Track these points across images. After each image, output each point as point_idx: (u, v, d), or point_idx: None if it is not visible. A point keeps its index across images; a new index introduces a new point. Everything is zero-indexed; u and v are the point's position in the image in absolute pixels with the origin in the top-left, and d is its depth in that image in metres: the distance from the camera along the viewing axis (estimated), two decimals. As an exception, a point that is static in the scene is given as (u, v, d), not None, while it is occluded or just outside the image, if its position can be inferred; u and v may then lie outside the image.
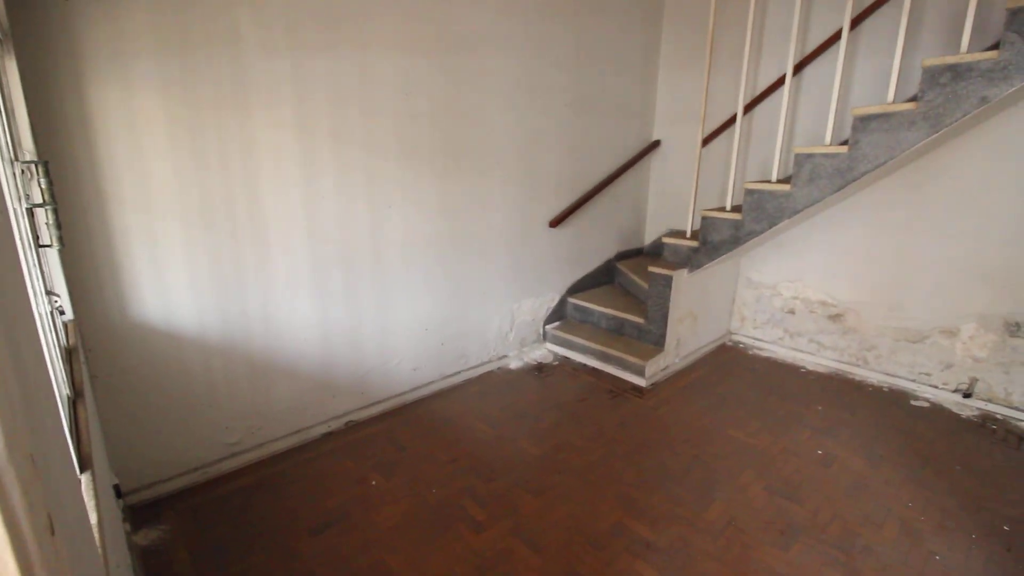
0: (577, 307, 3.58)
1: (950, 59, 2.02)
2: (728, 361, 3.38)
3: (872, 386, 3.03)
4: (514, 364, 3.29)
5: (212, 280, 2.04)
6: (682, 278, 3.02)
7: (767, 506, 2.03)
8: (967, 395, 2.81)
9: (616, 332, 3.36)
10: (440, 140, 2.63)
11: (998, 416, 2.69)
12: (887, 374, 3.07)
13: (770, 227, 2.65)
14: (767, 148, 3.36)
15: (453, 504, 2.01)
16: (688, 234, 3.06)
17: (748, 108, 3.35)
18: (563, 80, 3.18)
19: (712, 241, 2.90)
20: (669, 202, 4.00)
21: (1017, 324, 2.62)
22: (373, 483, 2.13)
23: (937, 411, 2.75)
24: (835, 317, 3.24)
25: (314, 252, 2.29)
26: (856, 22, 2.83)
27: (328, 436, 2.48)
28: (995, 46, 1.99)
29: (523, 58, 2.91)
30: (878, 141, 2.25)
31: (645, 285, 3.27)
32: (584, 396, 2.89)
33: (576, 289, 3.69)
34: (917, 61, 2.65)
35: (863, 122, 2.28)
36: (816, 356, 3.35)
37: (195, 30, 1.84)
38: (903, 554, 1.79)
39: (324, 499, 2.05)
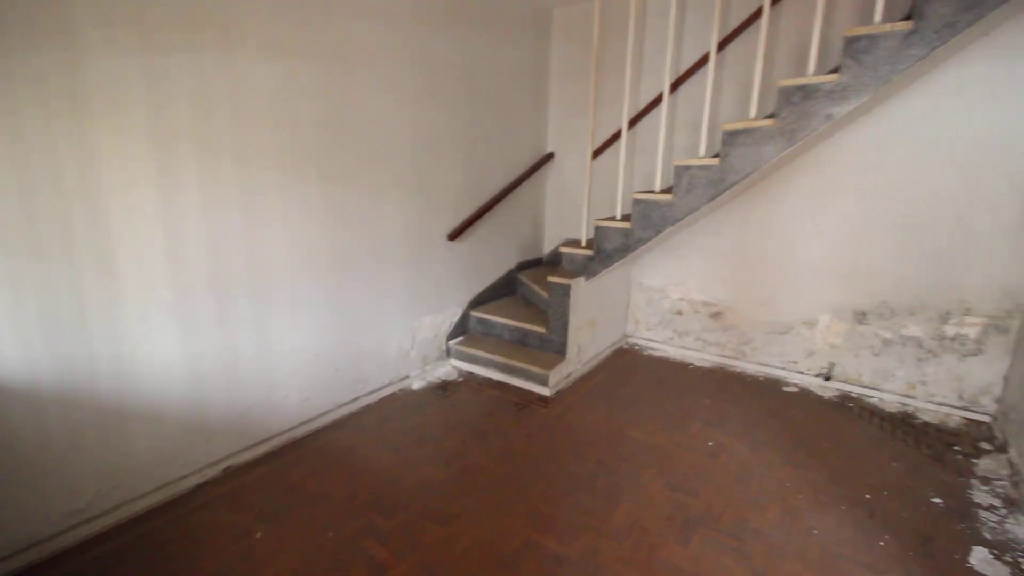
0: (480, 320, 3.53)
1: (800, 80, 2.27)
2: (626, 363, 3.52)
3: (750, 376, 3.31)
4: (417, 384, 3.16)
5: (43, 319, 1.70)
6: (579, 286, 3.09)
7: (668, 502, 2.10)
8: (827, 378, 3.17)
9: (520, 343, 3.35)
10: (327, 150, 2.46)
11: (853, 395, 3.05)
12: (762, 364, 3.37)
13: (656, 234, 2.80)
14: (651, 160, 3.57)
15: (352, 547, 1.85)
16: (583, 243, 3.15)
17: (632, 123, 3.53)
18: (455, 91, 3.13)
19: (605, 249, 3.00)
20: (565, 212, 4.11)
21: (863, 313, 3.00)
22: (258, 535, 1.90)
23: (804, 395, 3.06)
24: (716, 315, 3.50)
25: (176, 277, 2.01)
26: (723, 44, 3.10)
27: (203, 487, 2.18)
28: (837, 69, 2.26)
29: (413, 68, 2.82)
30: (744, 154, 2.46)
31: (545, 295, 3.31)
32: (490, 411, 2.84)
33: (479, 302, 3.64)
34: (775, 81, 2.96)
35: (731, 136, 2.48)
36: (702, 352, 3.59)
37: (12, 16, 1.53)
38: (786, 532, 1.94)
39: (199, 562, 1.78)
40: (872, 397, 3.01)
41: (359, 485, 2.19)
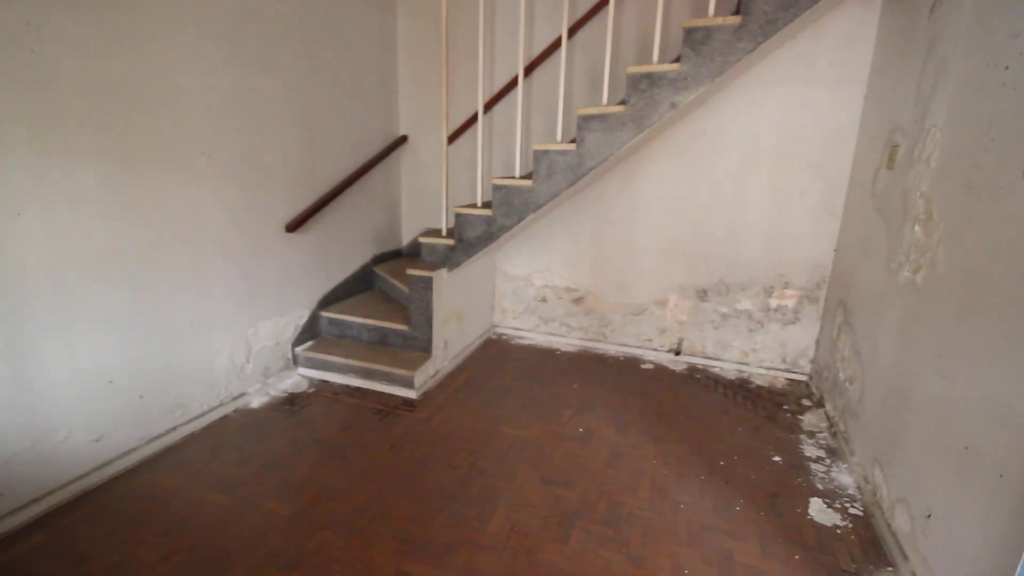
0: (333, 321, 3.14)
1: (646, 68, 2.30)
2: (494, 355, 3.41)
3: (612, 357, 3.42)
4: (257, 401, 2.70)
5: None
6: (442, 278, 2.89)
7: (544, 500, 2.02)
8: (677, 353, 3.39)
9: (380, 344, 3.05)
10: (108, 122, 1.90)
11: (699, 366, 3.31)
12: (621, 344, 3.51)
13: (519, 221, 2.70)
14: (510, 145, 3.48)
15: (166, 625, 1.45)
16: (444, 232, 2.94)
17: (488, 106, 3.40)
18: (293, 59, 2.69)
19: (468, 238, 2.83)
20: (423, 200, 3.86)
21: (704, 291, 3.25)
22: (19, 638, 1.40)
23: (660, 370, 3.24)
24: (578, 300, 3.56)
25: None
26: (573, 31, 3.09)
27: (-71, 582, 1.57)
28: (679, 59, 2.33)
29: (237, 24, 2.33)
30: (599, 139, 2.45)
31: (405, 288, 3.05)
32: (348, 423, 2.52)
33: (330, 300, 3.25)
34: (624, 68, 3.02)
35: (586, 121, 2.45)
36: (567, 337, 3.63)
37: None
38: (658, 512, 1.97)
39: None
40: (715, 367, 3.29)
41: (178, 540, 1.75)
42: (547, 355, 3.44)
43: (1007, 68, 1.47)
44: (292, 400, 2.74)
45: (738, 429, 2.58)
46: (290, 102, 2.75)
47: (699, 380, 3.12)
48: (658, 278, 3.32)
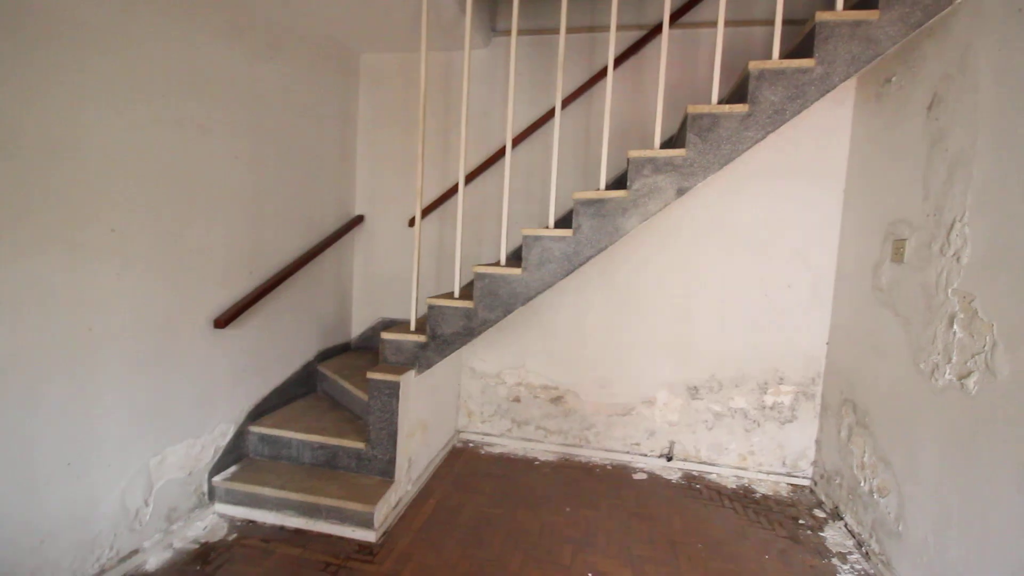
0: (266, 438, 2.52)
1: (649, 153, 2.14)
2: (464, 470, 2.88)
3: (598, 465, 3.00)
4: (155, 560, 1.98)
5: None
6: (410, 383, 2.41)
7: None
8: (669, 458, 3.04)
9: (327, 466, 2.45)
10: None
11: (694, 473, 2.96)
12: (607, 450, 3.11)
13: (505, 314, 2.34)
14: (478, 230, 3.20)
15: None
16: (412, 327, 2.51)
17: (451, 192, 3.15)
18: (237, 122, 2.30)
19: (443, 334, 2.41)
20: (378, 287, 3.42)
21: (695, 387, 2.99)
22: None
23: (654, 481, 2.85)
24: (556, 400, 3.17)
25: None
26: (553, 112, 2.98)
27: None
28: (671, 143, 2.20)
29: (171, 76, 1.93)
30: (599, 226, 2.21)
31: (361, 394, 2.53)
32: (286, 588, 1.87)
33: (263, 411, 2.63)
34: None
35: (584, 207, 2.22)
36: (544, 443, 3.19)
37: None
38: None
39: None
40: (711, 473, 2.96)
41: None
42: (525, 467, 2.95)
43: (1067, 164, 1.39)
44: (205, 554, 2.04)
45: (764, 557, 2.21)
46: (233, 171, 2.32)
47: (700, 492, 2.76)
48: (645, 374, 3.04)
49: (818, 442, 2.83)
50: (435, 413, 2.85)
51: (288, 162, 2.70)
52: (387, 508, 2.27)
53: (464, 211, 3.20)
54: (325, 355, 3.17)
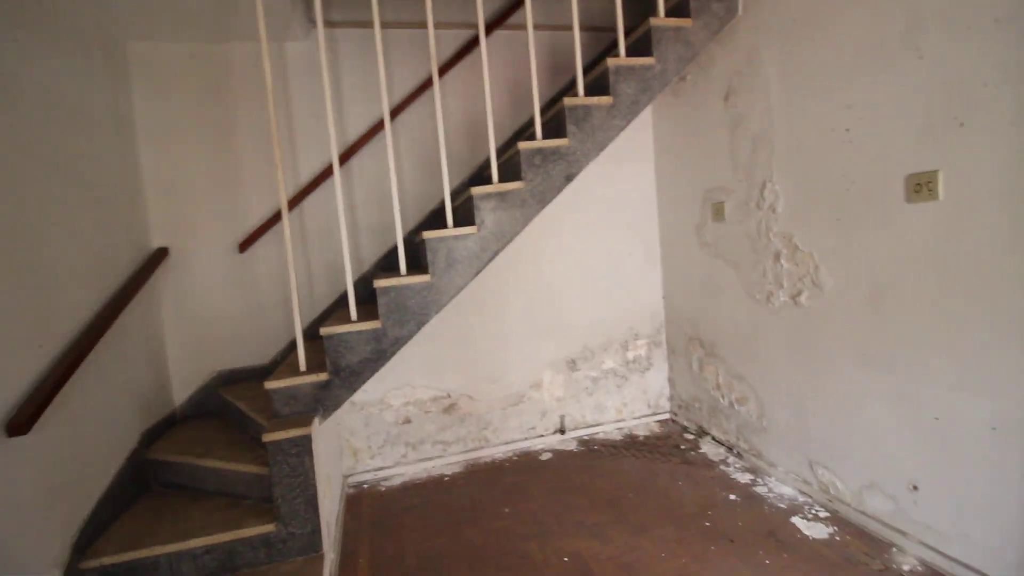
0: (114, 571, 1.78)
1: (536, 144, 2.21)
2: (375, 515, 2.54)
3: (507, 460, 3.00)
4: None
5: None
6: (320, 433, 2.02)
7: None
8: (562, 431, 3.23)
9: (226, 572, 1.87)
10: None
11: (586, 437, 3.22)
12: (507, 443, 3.13)
13: (419, 328, 2.14)
14: (325, 248, 2.82)
15: None
16: (302, 367, 2.08)
17: (296, 201, 2.71)
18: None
19: (349, 365, 2.07)
20: (202, 334, 2.71)
21: (573, 360, 3.23)
22: None
23: (560, 456, 3.00)
24: (450, 409, 3.04)
25: None
26: (396, 113, 2.79)
27: None
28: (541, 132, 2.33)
29: None
30: (502, 219, 2.20)
31: (244, 467, 2.01)
32: None
33: (93, 535, 1.84)
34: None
35: (483, 201, 2.17)
36: (444, 457, 3.03)
37: None
38: (724, 611, 1.71)
39: None
40: (599, 433, 3.27)
41: None
42: (438, 487, 2.76)
43: (848, 129, 1.97)
44: None
45: (679, 483, 2.56)
46: (-15, 205, 1.54)
47: (599, 451, 3.02)
48: (530, 359, 3.15)
49: (671, 380, 3.39)
50: (327, 463, 2.43)
51: (61, 183, 1.92)
52: (329, 588, 1.86)
53: (305, 228, 2.81)
54: (151, 436, 2.38)
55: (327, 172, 2.75)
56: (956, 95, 1.61)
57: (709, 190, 2.80)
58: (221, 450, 2.18)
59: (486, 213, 2.18)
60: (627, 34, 2.53)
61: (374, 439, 2.94)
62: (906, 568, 1.82)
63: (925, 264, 1.75)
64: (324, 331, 2.04)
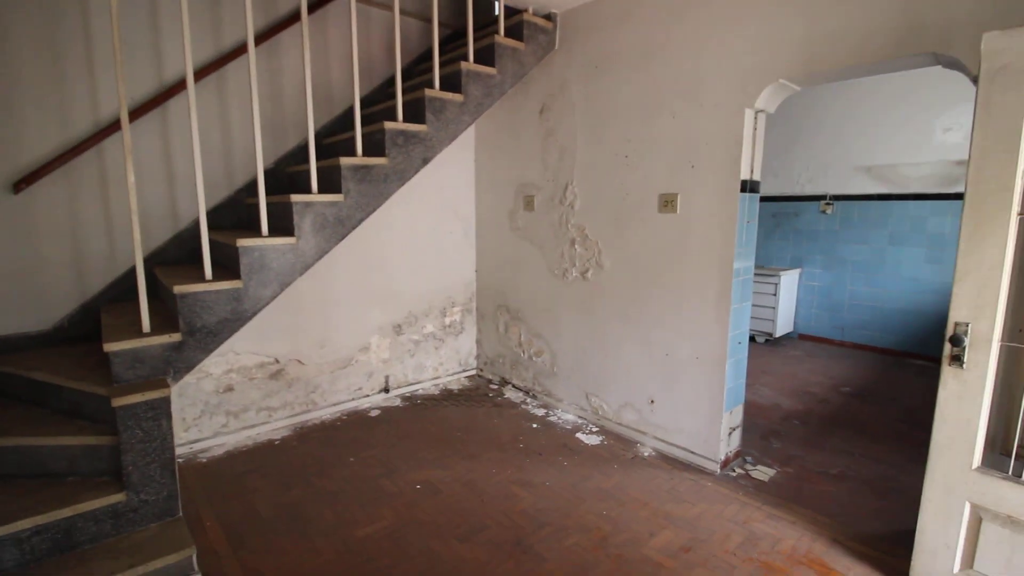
0: None
1: (400, 125, 2.45)
2: (205, 485, 2.44)
3: (338, 419, 3.15)
4: None
5: None
6: (172, 395, 1.92)
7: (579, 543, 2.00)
8: (387, 390, 3.52)
9: (64, 551, 1.67)
10: None
11: (408, 394, 3.58)
12: (335, 404, 3.27)
13: (282, 288, 2.18)
14: (145, 192, 2.50)
15: None
16: (146, 328, 1.92)
17: (95, 141, 2.32)
18: None
19: (206, 325, 2.00)
20: (-55, 293, 2.11)
21: (399, 325, 3.53)
22: None
23: (388, 411, 3.30)
24: (277, 374, 3.02)
25: None
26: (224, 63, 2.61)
27: None
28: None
29: None
30: (367, 191, 2.38)
31: (64, 439, 1.79)
32: None
33: None
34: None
35: (352, 172, 2.32)
36: (271, 423, 3.01)
37: None
38: (564, 492, 2.35)
39: None
40: (419, 389, 3.66)
41: None
42: (271, 451, 2.77)
43: (627, 156, 2.79)
44: None
45: (495, 422, 3.16)
46: None
47: (423, 404, 3.43)
48: (359, 324, 3.32)
49: (478, 341, 3.99)
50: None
51: None
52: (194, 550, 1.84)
53: (108, 176, 2.47)
54: None
55: (142, 109, 2.42)
56: (690, 146, 2.52)
57: (522, 184, 3.43)
58: (20, 428, 1.84)
59: (352, 183, 2.33)
60: (461, 35, 2.92)
61: (189, 410, 2.74)
62: (645, 454, 2.76)
63: (666, 254, 2.66)
64: (179, 289, 1.93)
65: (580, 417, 3.21)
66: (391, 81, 3.33)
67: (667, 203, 2.64)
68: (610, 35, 2.81)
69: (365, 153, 2.46)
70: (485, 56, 2.82)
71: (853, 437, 2.94)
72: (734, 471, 2.56)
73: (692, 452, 2.65)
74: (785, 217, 5.21)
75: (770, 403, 3.45)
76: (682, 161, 2.55)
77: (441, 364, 3.81)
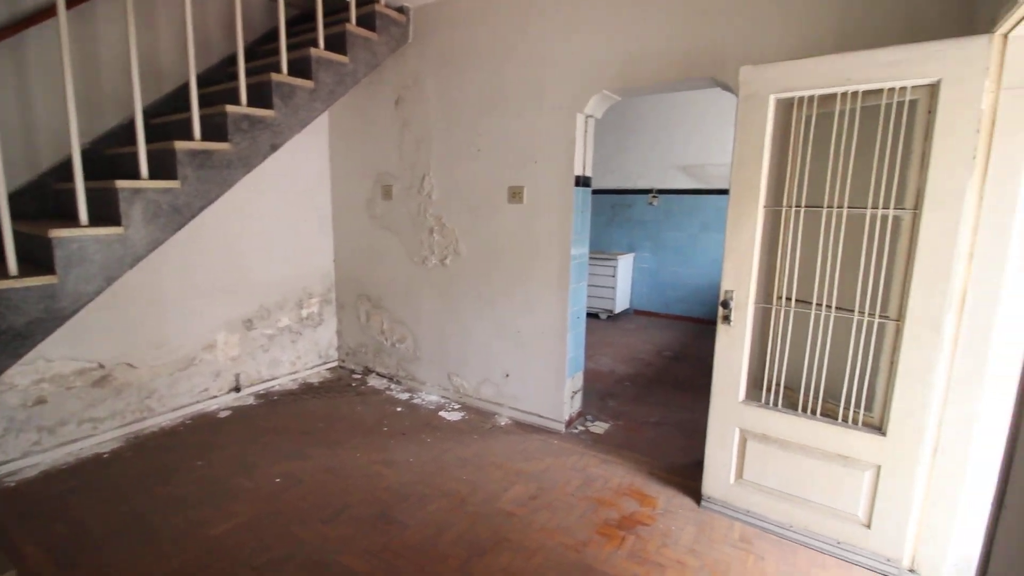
0: None
1: (245, 110, 2.35)
2: (16, 515, 2.14)
3: (180, 425, 2.92)
4: None
5: None
6: (-31, 407, 1.67)
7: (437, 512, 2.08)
8: (238, 389, 3.33)
9: None
10: None
11: (262, 392, 3.42)
12: (176, 409, 3.02)
13: (108, 283, 1.99)
14: None
15: None
16: (-74, 333, 1.64)
17: None
18: None
19: (13, 327, 1.76)
20: None
21: (250, 320, 3.35)
22: None
23: (240, 412, 3.14)
24: (102, 381, 2.71)
25: None
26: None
27: None
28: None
29: None
30: (208, 177, 2.25)
31: None
32: None
33: None
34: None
35: (189, 158, 2.17)
36: (97, 435, 2.69)
37: None
38: (424, 466, 2.48)
39: None
40: (275, 385, 3.52)
41: None
42: (97, 466, 2.49)
43: (479, 150, 2.99)
44: None
45: (357, 409, 3.19)
46: None
47: (281, 400, 3.32)
48: (202, 320, 3.09)
49: (339, 332, 3.94)
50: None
51: None
52: None
53: None
54: None
55: None
56: (534, 144, 2.80)
57: (380, 173, 3.46)
58: None
59: (190, 169, 2.20)
60: (309, 17, 2.87)
61: (-15, 430, 2.35)
62: (502, 423, 3.03)
63: (516, 241, 2.93)
64: (-30, 287, 1.68)
65: (443, 397, 3.38)
66: (232, 60, 3.11)
67: (515, 194, 2.90)
68: (462, 34, 2.97)
69: (205, 137, 2.31)
70: (336, 43, 2.79)
71: (670, 391, 3.55)
72: (576, 429, 2.94)
73: (542, 416, 2.97)
74: (621, 208, 5.91)
75: (608, 370, 3.97)
76: (527, 157, 2.83)
77: (299, 358, 3.70)
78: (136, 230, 2.05)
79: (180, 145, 2.15)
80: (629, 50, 2.48)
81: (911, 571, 1.84)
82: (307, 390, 3.48)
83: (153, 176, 2.15)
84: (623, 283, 5.67)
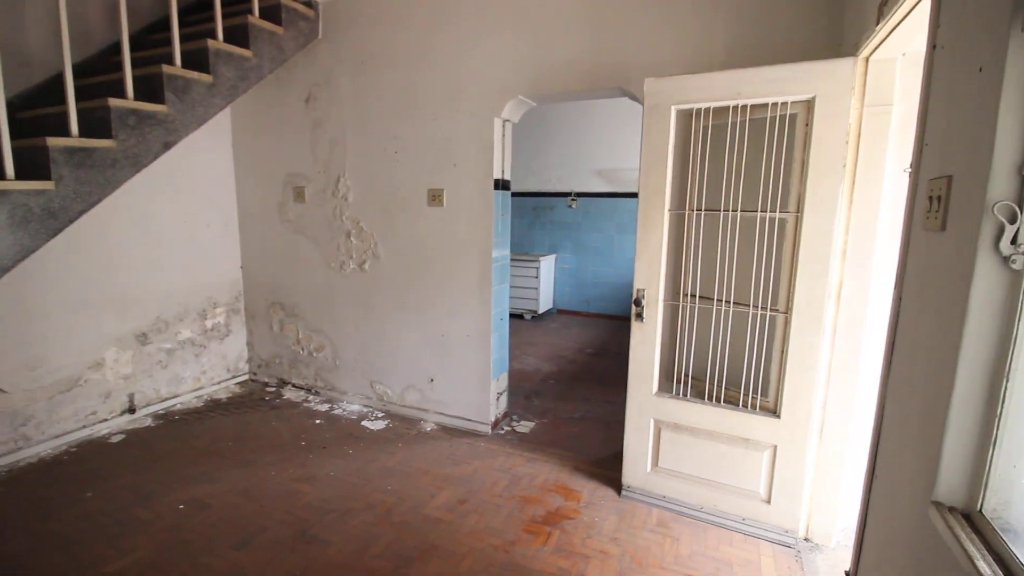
0: None
1: (132, 104, 2.14)
2: None
3: (59, 454, 2.60)
4: None
5: None
6: None
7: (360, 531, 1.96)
8: (132, 411, 3.03)
9: None
10: None
11: (161, 412, 3.13)
12: (58, 436, 2.69)
13: (-36, 299, 1.74)
14: None
15: None
16: None
17: None
18: None
19: None
20: None
21: (144, 334, 3.06)
22: None
23: (137, 434, 2.85)
24: (-40, 410, 2.36)
25: None
26: None
27: None
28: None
29: None
30: (87, 177, 2.02)
31: None
32: None
33: None
34: None
35: (64, 156, 1.95)
36: (-46, 473, 2.34)
37: None
38: (346, 479, 2.38)
39: None
40: (176, 404, 3.23)
41: None
42: (-43, 507, 2.17)
43: (397, 152, 2.93)
44: None
45: (272, 424, 3.01)
46: None
47: (183, 420, 3.05)
48: (86, 337, 2.77)
49: (249, 343, 3.69)
50: None
51: None
52: None
53: None
54: None
55: None
56: (452, 147, 2.79)
57: (291, 175, 3.29)
58: None
59: (65, 169, 1.97)
60: (207, 6, 2.68)
61: None
62: (428, 429, 2.98)
63: (437, 244, 2.90)
64: None
65: (366, 406, 3.28)
66: (115, 49, 2.82)
67: (435, 197, 2.87)
68: (377, 33, 2.90)
69: (84, 133, 2.08)
70: (239, 36, 2.62)
71: (592, 387, 3.67)
72: (503, 429, 2.97)
73: (468, 419, 2.97)
74: (543, 210, 6.04)
75: (533, 369, 4.04)
76: (446, 160, 2.81)
77: (204, 373, 3.43)
78: (1, 237, 1.80)
79: (54, 142, 1.92)
80: (541, 58, 2.54)
81: (806, 539, 2.04)
82: (214, 407, 3.23)
83: (21, 176, 1.90)
84: (546, 284, 5.80)
